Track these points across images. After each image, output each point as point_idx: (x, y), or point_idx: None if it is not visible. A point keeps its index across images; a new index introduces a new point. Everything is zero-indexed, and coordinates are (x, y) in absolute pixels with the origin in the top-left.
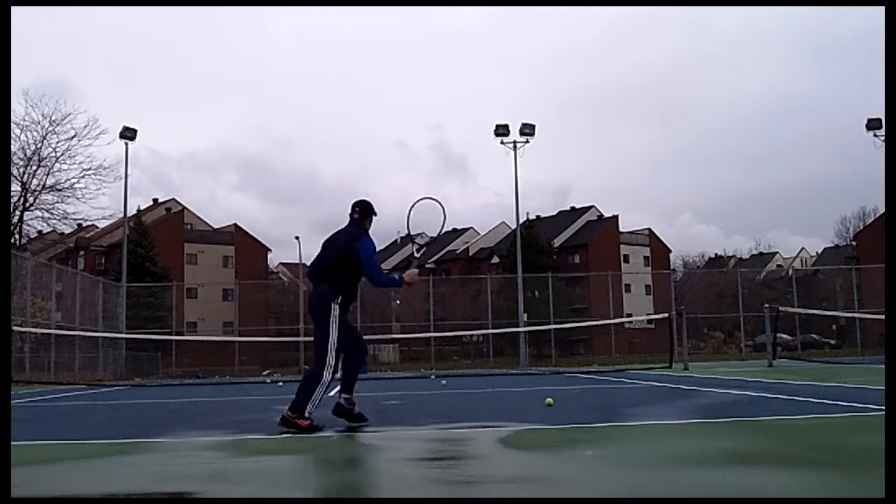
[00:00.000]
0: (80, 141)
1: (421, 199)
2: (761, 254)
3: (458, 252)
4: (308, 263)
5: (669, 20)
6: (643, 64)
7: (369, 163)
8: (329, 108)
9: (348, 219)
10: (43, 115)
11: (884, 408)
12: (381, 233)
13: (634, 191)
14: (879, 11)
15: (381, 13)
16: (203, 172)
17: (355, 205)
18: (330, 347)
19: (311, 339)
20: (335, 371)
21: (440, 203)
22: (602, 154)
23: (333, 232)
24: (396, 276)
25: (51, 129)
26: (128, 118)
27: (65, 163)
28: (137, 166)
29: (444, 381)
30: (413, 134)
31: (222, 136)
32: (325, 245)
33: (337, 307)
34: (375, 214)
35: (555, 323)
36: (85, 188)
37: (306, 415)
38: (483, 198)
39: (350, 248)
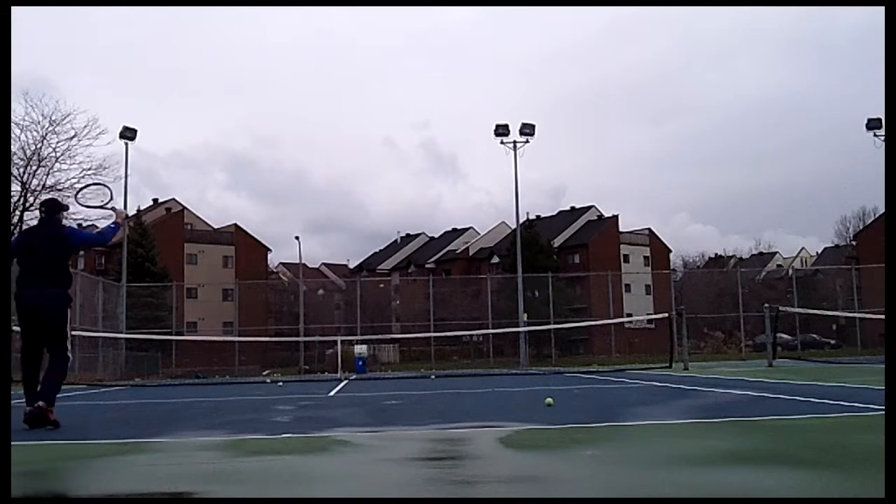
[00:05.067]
0: (79, 141)
1: (89, 186)
2: (761, 254)
3: (458, 252)
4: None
5: (664, 20)
6: (638, 64)
7: (358, 161)
8: (314, 105)
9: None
10: (43, 115)
11: (884, 408)
12: (381, 233)
13: (630, 190)
14: (879, 11)
15: (370, 12)
16: (190, 171)
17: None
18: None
19: (312, 339)
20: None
21: (107, 186)
22: (597, 154)
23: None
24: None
25: (51, 129)
26: (111, 116)
27: (65, 163)
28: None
29: (433, 376)
30: (401, 132)
31: (208, 135)
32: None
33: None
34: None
35: (555, 323)
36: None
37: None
38: (475, 197)
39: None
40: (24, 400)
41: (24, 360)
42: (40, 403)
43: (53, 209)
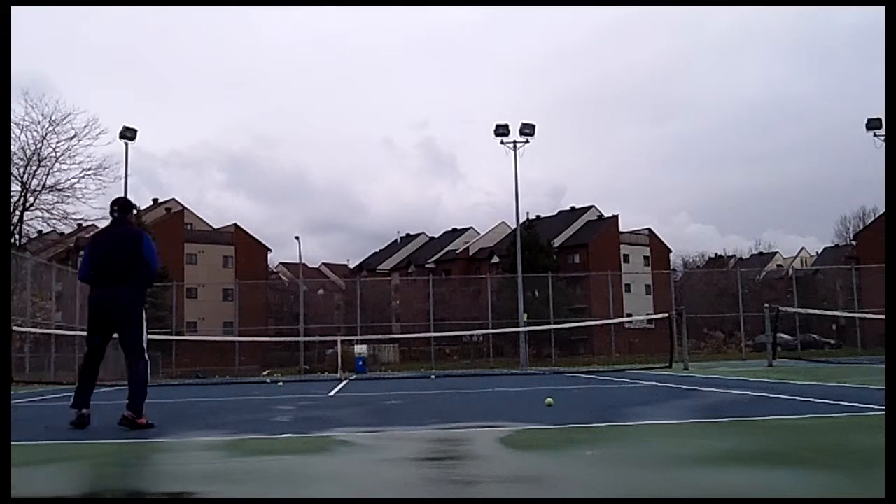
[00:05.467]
0: (80, 141)
1: None
2: (761, 254)
3: (458, 252)
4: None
5: (664, 20)
6: (638, 64)
7: (357, 161)
8: (313, 105)
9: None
10: (43, 115)
11: (884, 408)
12: (381, 233)
13: (629, 190)
14: (879, 11)
15: (369, 12)
16: (189, 171)
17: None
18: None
19: (312, 339)
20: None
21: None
22: (597, 154)
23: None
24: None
25: (51, 129)
26: (109, 116)
27: (65, 163)
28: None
29: (433, 376)
30: (400, 132)
31: (206, 135)
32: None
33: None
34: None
35: (555, 323)
36: (85, 188)
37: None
38: (475, 197)
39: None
40: (23, 400)
41: (86, 362)
42: (126, 413)
43: (125, 208)
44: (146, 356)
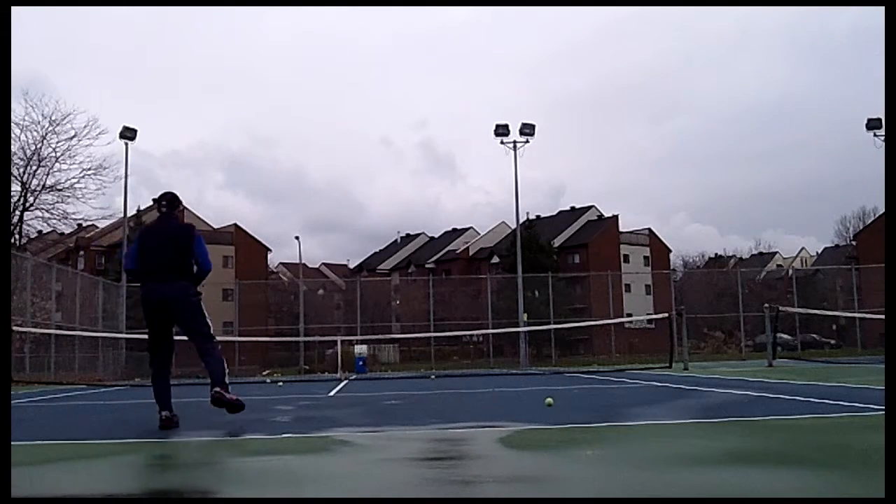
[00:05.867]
0: (80, 141)
1: None
2: (761, 254)
3: (458, 252)
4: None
5: (664, 20)
6: (637, 64)
7: (356, 161)
8: (312, 104)
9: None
10: (43, 115)
11: (884, 408)
12: (380, 233)
13: (629, 190)
14: (879, 11)
15: (367, 12)
16: (187, 171)
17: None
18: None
19: (312, 339)
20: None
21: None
22: (597, 154)
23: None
24: None
25: (51, 129)
26: (107, 115)
27: (65, 163)
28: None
29: (433, 376)
30: (399, 132)
31: (204, 134)
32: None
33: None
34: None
35: (555, 323)
36: (85, 188)
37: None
38: (474, 197)
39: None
40: (23, 400)
41: (154, 362)
42: (217, 389)
43: (173, 203)
44: (215, 340)
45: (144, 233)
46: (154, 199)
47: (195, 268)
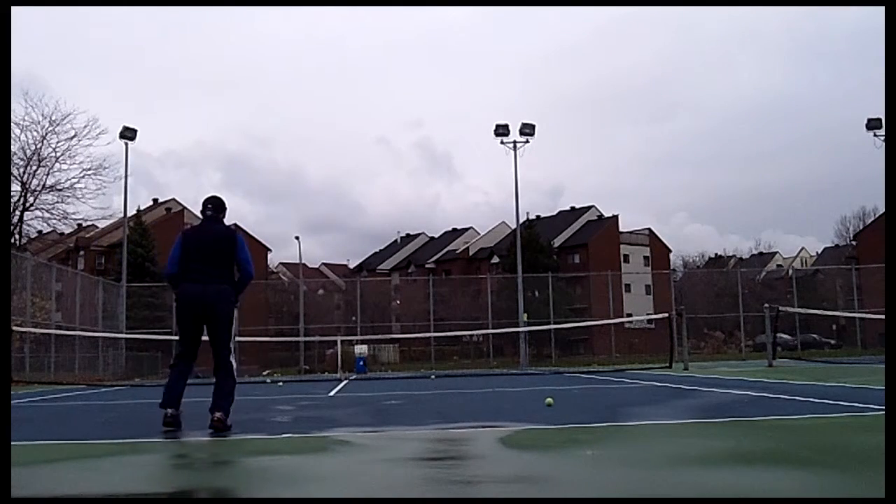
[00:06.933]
0: (80, 141)
1: None
2: (761, 254)
3: (458, 252)
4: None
5: (663, 20)
6: (636, 64)
7: (354, 161)
8: (308, 104)
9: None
10: (43, 115)
11: (884, 408)
12: (380, 233)
13: (628, 190)
14: (878, 11)
15: (365, 12)
16: (184, 170)
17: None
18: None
19: (312, 339)
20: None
21: None
22: (596, 153)
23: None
24: None
25: (51, 129)
26: (105, 115)
27: (65, 163)
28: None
29: (433, 376)
30: (396, 132)
31: (201, 134)
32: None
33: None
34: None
35: (555, 323)
36: (85, 188)
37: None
38: (472, 197)
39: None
40: (23, 400)
41: (179, 360)
42: (217, 415)
43: (219, 207)
44: (233, 360)
45: (187, 235)
46: (154, 199)
47: (237, 274)
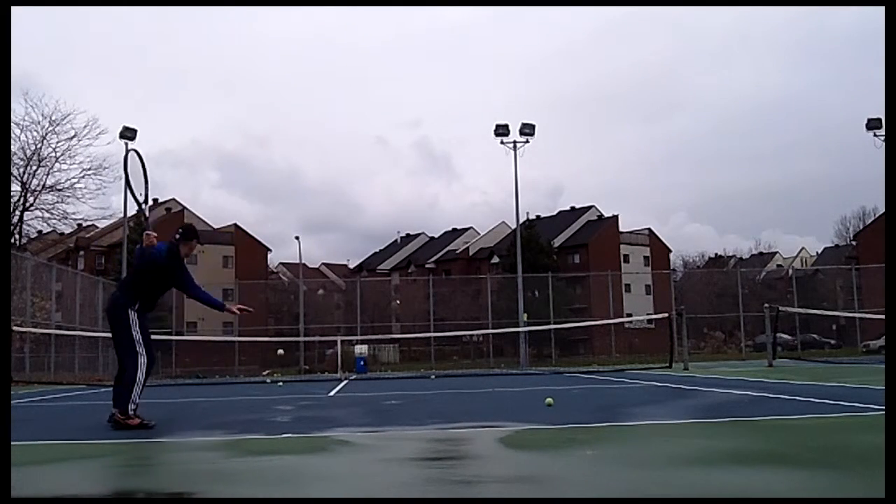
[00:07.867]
0: (79, 141)
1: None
2: (761, 254)
3: (458, 252)
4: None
5: (662, 20)
6: (636, 64)
7: (352, 161)
8: (306, 104)
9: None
10: (43, 115)
11: (884, 408)
12: (379, 233)
13: (628, 190)
14: (878, 11)
15: (363, 11)
16: (181, 170)
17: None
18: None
19: (312, 339)
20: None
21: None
22: (596, 153)
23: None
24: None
25: (51, 129)
26: (103, 114)
27: (65, 163)
28: (120, 164)
29: (433, 376)
30: (394, 131)
31: (199, 133)
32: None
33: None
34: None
35: (555, 323)
36: (85, 188)
37: (131, 413)
38: (471, 197)
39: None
40: (23, 400)
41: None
42: (114, 411)
43: (186, 235)
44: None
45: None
46: (154, 199)
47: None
